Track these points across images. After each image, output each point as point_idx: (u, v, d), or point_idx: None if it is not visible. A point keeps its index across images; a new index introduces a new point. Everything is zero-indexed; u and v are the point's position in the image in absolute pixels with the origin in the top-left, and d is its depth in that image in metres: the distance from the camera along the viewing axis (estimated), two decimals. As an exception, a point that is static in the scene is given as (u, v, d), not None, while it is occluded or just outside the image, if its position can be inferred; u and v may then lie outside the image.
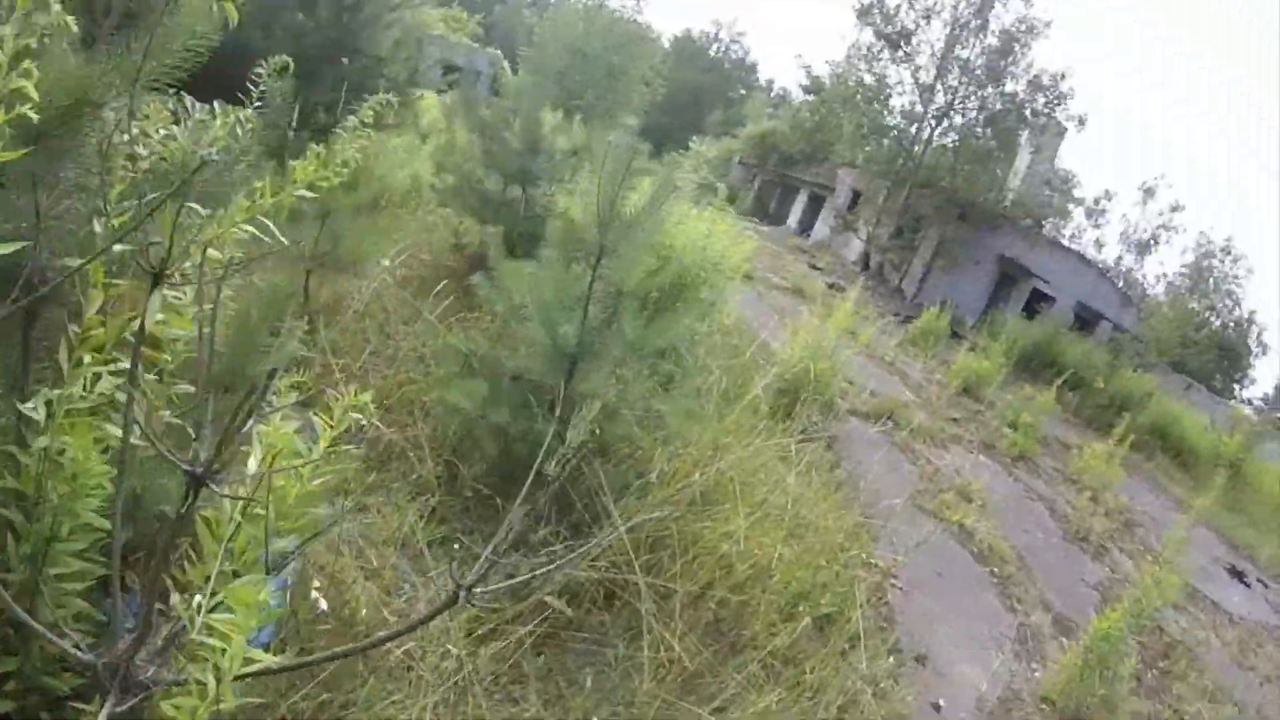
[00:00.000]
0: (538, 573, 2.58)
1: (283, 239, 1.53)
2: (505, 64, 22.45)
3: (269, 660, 1.17)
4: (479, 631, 2.45)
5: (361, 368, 3.74)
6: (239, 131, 1.77)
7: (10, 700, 1.38)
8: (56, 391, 1.30)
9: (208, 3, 1.30)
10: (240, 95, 1.98)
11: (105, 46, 1.29)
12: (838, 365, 6.96)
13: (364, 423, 1.53)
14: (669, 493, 2.97)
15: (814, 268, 15.88)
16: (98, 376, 1.37)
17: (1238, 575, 7.68)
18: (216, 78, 1.65)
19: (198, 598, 1.15)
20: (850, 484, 5.43)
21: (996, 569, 5.17)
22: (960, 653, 3.95)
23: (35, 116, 1.11)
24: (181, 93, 1.60)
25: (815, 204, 21.84)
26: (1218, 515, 8.57)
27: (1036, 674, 4.06)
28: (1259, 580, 7.83)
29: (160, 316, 1.40)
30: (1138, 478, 9.49)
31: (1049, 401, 8.94)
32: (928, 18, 16.92)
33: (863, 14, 17.44)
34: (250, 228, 1.47)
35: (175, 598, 1.28)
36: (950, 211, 15.58)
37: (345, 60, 6.15)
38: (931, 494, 5.98)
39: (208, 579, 1.21)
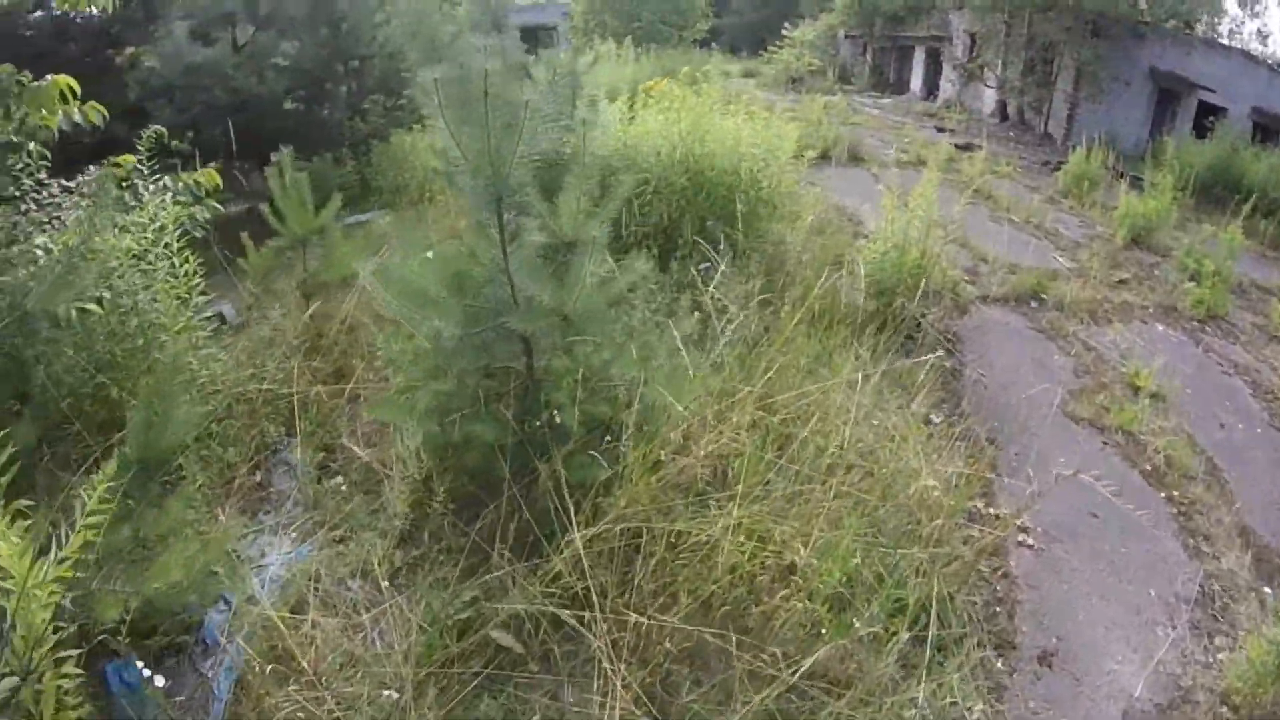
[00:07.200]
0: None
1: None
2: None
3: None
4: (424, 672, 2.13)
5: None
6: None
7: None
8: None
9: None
10: None
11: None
12: (953, 242, 5.62)
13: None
14: (656, 480, 2.39)
15: (941, 130, 13.65)
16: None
17: None
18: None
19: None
20: (972, 402, 4.41)
21: (1176, 491, 3.91)
22: (1112, 636, 2.91)
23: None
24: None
25: (935, 61, 18.57)
26: None
27: (1221, 655, 2.88)
28: None
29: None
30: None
31: (1236, 237, 6.67)
32: None
33: None
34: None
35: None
36: (1081, 30, 12.47)
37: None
38: (1089, 392, 4.69)
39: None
